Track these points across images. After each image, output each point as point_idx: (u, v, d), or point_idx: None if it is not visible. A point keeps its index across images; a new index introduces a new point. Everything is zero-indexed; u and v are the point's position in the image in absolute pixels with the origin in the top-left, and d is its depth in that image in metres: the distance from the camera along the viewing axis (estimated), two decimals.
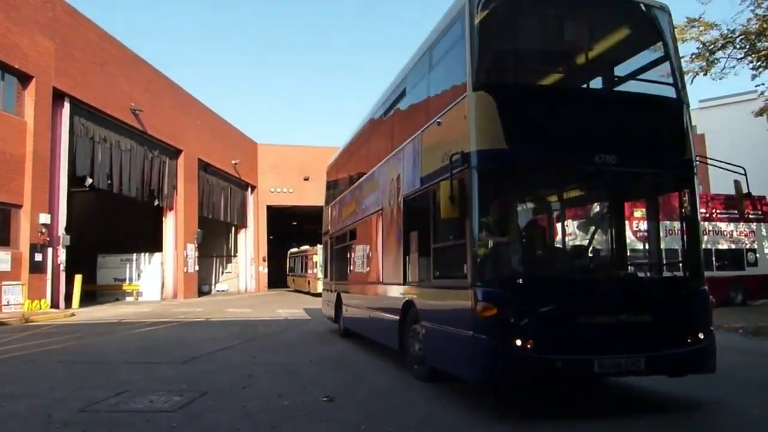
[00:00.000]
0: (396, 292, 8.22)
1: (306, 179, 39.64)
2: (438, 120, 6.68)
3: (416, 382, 7.37)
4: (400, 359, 8.44)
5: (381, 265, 9.20)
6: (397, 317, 8.05)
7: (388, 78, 10.29)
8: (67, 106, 21.15)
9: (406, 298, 7.73)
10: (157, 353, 10.51)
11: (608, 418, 5.62)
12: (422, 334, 7.10)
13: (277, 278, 42.13)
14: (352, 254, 11.72)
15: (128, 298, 27.92)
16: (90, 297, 25.90)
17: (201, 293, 33.08)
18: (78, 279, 21.74)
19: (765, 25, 14.70)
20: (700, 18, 15.34)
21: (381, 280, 9.15)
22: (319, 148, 41.92)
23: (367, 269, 10.24)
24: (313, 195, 39.36)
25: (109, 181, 23.42)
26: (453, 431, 5.45)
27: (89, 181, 22.13)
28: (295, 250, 40.03)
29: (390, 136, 9.15)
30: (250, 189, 39.74)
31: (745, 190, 7.15)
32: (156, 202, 27.56)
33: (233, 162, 35.74)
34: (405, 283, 7.85)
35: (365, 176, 10.73)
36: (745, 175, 6.97)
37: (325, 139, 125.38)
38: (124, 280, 28.60)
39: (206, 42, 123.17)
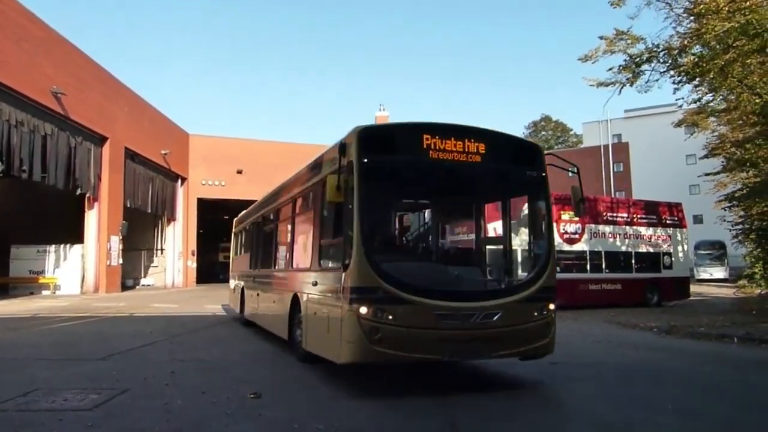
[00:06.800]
0: None
1: (239, 172, 38.81)
2: None
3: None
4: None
5: None
6: None
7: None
8: None
9: None
10: (74, 349, 10.02)
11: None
12: None
13: (206, 273, 41.03)
14: None
15: (45, 292, 26.50)
16: (2, 290, 24.51)
17: (125, 287, 31.79)
18: None
19: (686, 42, 15.43)
20: (627, 31, 15.93)
21: None
22: (253, 141, 41.22)
23: None
24: (246, 188, 38.59)
25: (24, 168, 22.00)
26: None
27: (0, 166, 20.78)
28: None
29: None
30: (180, 180, 38.51)
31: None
32: (78, 192, 26.24)
33: (163, 152, 34.53)
34: None
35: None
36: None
37: (260, 132, 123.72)
38: (41, 272, 27.11)
39: (140, 29, 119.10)
